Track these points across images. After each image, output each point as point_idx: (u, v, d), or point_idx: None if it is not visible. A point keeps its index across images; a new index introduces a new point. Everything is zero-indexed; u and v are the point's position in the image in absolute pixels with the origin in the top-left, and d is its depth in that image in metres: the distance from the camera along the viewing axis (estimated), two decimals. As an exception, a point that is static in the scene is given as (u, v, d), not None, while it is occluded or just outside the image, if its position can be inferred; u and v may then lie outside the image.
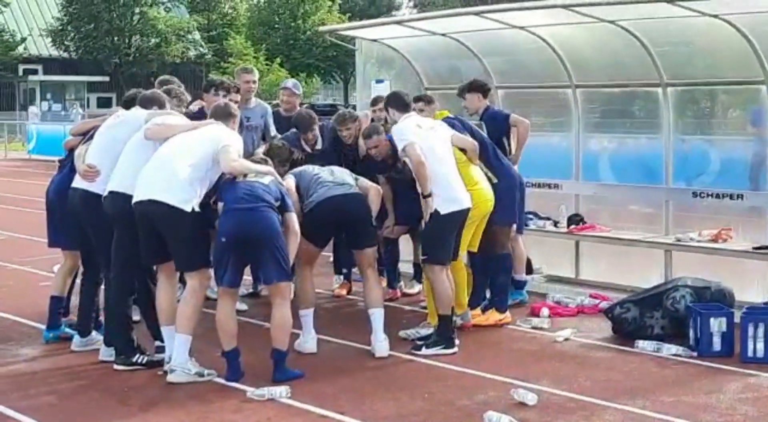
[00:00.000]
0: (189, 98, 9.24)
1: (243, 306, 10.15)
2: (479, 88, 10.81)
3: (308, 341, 8.77)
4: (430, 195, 8.72)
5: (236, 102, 10.20)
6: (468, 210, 8.95)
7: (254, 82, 11.33)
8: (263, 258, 7.94)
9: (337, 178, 8.92)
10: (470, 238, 9.36)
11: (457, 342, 8.86)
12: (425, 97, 10.17)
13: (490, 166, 9.71)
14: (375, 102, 11.21)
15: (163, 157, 8.00)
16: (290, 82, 12.06)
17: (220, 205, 8.08)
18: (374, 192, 9.12)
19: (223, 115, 8.47)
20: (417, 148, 8.73)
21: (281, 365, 8.00)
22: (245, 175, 8.07)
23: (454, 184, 8.89)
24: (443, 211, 8.77)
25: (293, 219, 8.23)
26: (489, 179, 9.57)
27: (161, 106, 8.63)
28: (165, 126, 8.18)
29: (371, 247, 8.97)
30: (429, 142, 8.86)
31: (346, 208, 8.74)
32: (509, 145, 10.76)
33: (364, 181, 9.20)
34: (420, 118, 9.29)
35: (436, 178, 8.75)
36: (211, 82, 10.90)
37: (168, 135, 8.12)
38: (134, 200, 7.90)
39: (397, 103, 9.44)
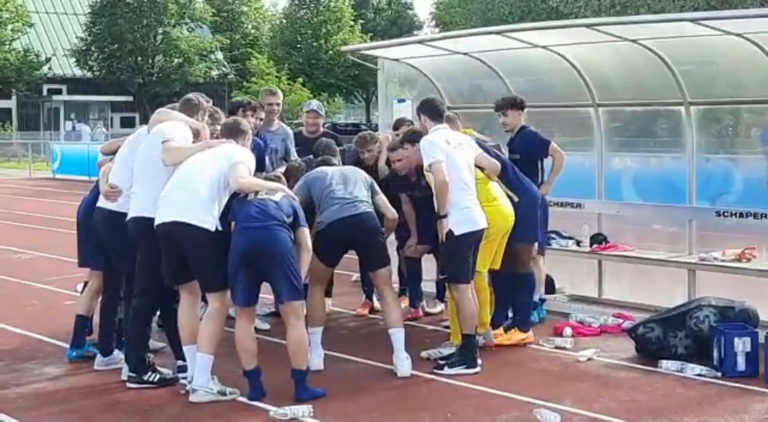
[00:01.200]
0: (223, 117, 9.19)
1: (265, 326, 10.16)
2: (520, 105, 10.78)
3: (314, 358, 8.70)
4: (445, 216, 8.71)
5: (261, 119, 10.25)
6: (483, 230, 8.92)
7: (278, 104, 11.33)
8: (275, 276, 7.95)
9: (350, 191, 8.86)
10: (492, 256, 9.33)
11: (479, 361, 8.84)
12: (448, 116, 9.92)
13: (510, 185, 9.68)
14: (398, 125, 11.16)
15: (182, 177, 8.03)
16: (314, 104, 12.04)
17: (233, 223, 8.10)
18: (391, 218, 9.13)
19: (233, 132, 8.48)
20: (443, 168, 8.68)
21: (302, 384, 8.00)
22: (256, 193, 8.08)
23: (471, 205, 8.85)
24: (457, 232, 8.75)
25: (306, 235, 8.21)
26: (510, 198, 9.55)
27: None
28: (179, 150, 8.16)
29: (385, 267, 8.96)
30: (454, 160, 8.83)
31: (357, 230, 8.73)
32: (542, 169, 10.70)
33: (383, 201, 9.19)
34: (450, 132, 9.16)
35: (453, 198, 8.72)
36: (238, 103, 10.69)
37: (186, 157, 8.13)
38: (157, 222, 7.93)
39: (431, 111, 9.24)
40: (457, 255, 8.84)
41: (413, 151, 9.38)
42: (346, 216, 8.69)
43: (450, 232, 8.76)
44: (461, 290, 8.85)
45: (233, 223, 8.07)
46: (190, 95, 8.92)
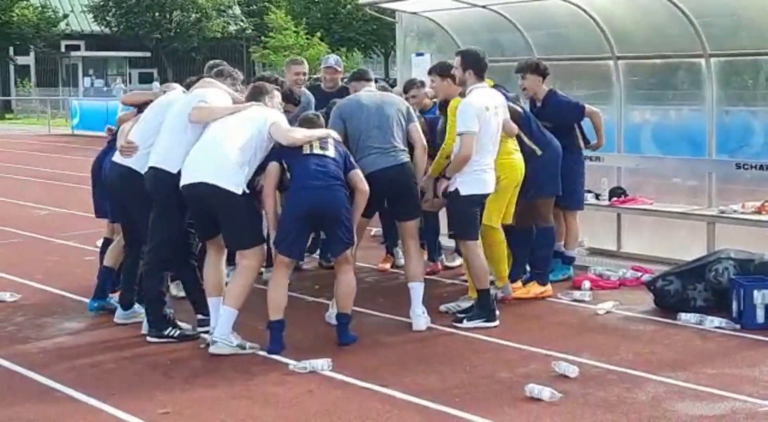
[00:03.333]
0: (241, 76, 9.14)
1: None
2: (542, 71, 10.45)
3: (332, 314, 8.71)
4: (449, 178, 8.70)
5: (290, 111, 10.03)
6: (489, 194, 8.91)
7: (304, 73, 11.28)
8: (332, 231, 8.12)
9: (387, 138, 8.77)
10: (503, 210, 9.32)
11: (497, 314, 8.86)
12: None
13: (533, 139, 9.65)
14: (409, 87, 10.75)
15: (210, 140, 8.03)
16: (332, 60, 11.92)
17: (288, 177, 8.19)
18: (421, 147, 9.05)
19: (258, 93, 8.45)
20: (474, 142, 8.56)
21: (346, 329, 8.20)
22: (310, 147, 8.10)
23: (484, 168, 8.79)
24: (463, 192, 8.73)
25: (359, 176, 8.27)
26: (533, 152, 9.52)
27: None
28: (208, 110, 8.16)
29: (415, 219, 8.97)
30: (488, 127, 8.71)
31: (393, 180, 8.70)
32: (582, 132, 10.63)
33: (415, 128, 9.04)
34: (489, 93, 8.93)
35: (471, 161, 8.66)
36: (262, 78, 10.49)
37: (213, 118, 8.13)
38: (183, 182, 7.95)
39: (478, 65, 8.84)
40: (464, 214, 8.84)
41: (445, 86, 9.29)
42: (385, 167, 8.66)
43: (456, 192, 8.75)
44: (470, 246, 8.85)
45: (289, 178, 8.14)
46: (222, 67, 8.90)
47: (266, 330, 8.03)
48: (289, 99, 9.45)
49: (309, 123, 8.62)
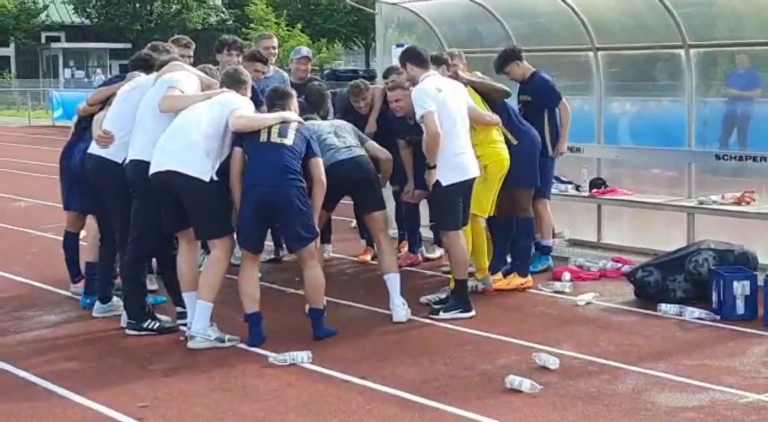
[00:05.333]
0: (193, 45, 9.26)
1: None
2: (516, 55, 10.40)
3: None
4: (434, 167, 8.67)
5: (262, 72, 10.09)
6: (473, 179, 8.87)
7: (274, 47, 11.21)
8: (288, 224, 8.04)
9: (342, 139, 8.86)
10: (491, 200, 9.32)
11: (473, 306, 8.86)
12: (443, 60, 9.56)
13: (508, 127, 9.61)
14: (388, 73, 10.70)
15: (178, 127, 7.98)
16: (305, 50, 11.85)
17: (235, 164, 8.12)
18: (386, 160, 9.10)
19: (233, 81, 8.38)
20: (435, 119, 8.55)
21: (319, 322, 8.16)
22: (269, 135, 8.01)
23: (460, 154, 8.77)
24: (445, 182, 8.69)
25: (319, 165, 8.19)
26: (508, 141, 9.50)
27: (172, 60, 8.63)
28: (177, 98, 8.09)
29: (380, 210, 8.94)
30: (447, 108, 8.71)
31: (352, 173, 8.69)
32: (550, 118, 10.57)
33: (373, 146, 9.16)
34: (441, 78, 9.02)
35: (444, 147, 8.62)
36: (223, 41, 10.47)
37: (183, 106, 8.07)
38: (151, 171, 7.89)
39: (415, 57, 9.04)
40: (446, 205, 8.81)
41: (407, 94, 9.31)
42: (341, 160, 8.67)
43: (437, 183, 8.72)
44: (451, 237, 8.84)
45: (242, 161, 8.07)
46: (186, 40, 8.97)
47: (244, 322, 7.99)
48: (258, 58, 9.89)
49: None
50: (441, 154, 8.64)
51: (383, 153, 9.24)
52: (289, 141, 8.02)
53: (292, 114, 8.33)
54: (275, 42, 11.32)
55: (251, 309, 7.97)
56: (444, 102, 8.71)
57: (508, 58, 10.42)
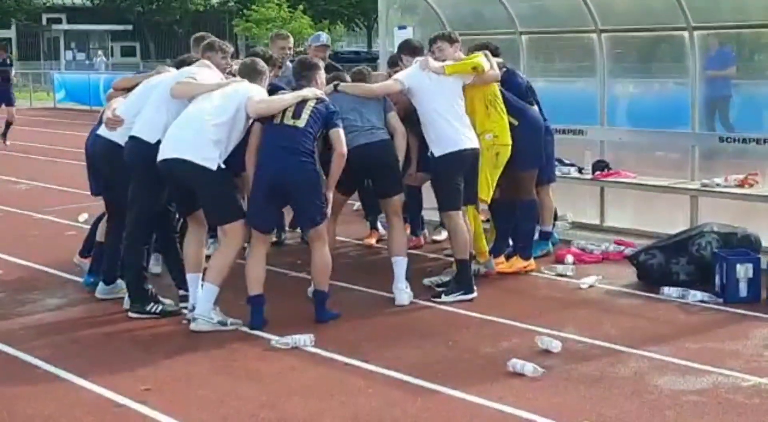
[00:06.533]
0: (231, 49, 9.06)
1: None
2: (493, 52, 9.90)
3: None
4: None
5: (276, 75, 9.98)
6: (468, 150, 8.81)
7: (290, 47, 11.21)
8: (299, 203, 8.07)
9: (366, 118, 8.77)
10: (494, 186, 9.31)
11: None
12: (447, 37, 9.41)
13: (508, 109, 9.52)
14: (394, 62, 10.59)
15: (189, 115, 7.97)
16: (324, 37, 11.81)
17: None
18: (400, 135, 9.02)
19: (250, 72, 8.35)
20: (390, 88, 8.96)
21: (322, 305, 8.16)
22: (282, 117, 7.99)
23: (453, 127, 8.78)
24: (437, 153, 8.76)
25: (340, 135, 8.14)
26: (510, 123, 9.45)
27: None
28: (190, 85, 8.10)
29: (398, 195, 8.91)
30: (438, 86, 8.79)
31: (373, 157, 8.63)
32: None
33: (393, 116, 9.03)
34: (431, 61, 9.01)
35: (433, 120, 8.78)
36: (257, 55, 10.25)
37: (194, 94, 8.06)
38: (160, 158, 7.88)
39: (408, 49, 9.43)
40: (444, 181, 8.83)
41: (451, 52, 9.26)
42: (363, 144, 8.59)
43: (431, 155, 8.82)
44: (451, 217, 8.83)
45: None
46: (211, 40, 8.88)
47: (246, 305, 7.99)
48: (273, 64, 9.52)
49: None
50: (434, 129, 8.78)
51: (399, 128, 9.09)
52: (301, 123, 7.98)
53: (311, 90, 8.24)
54: (291, 42, 11.31)
55: (254, 291, 7.96)
56: (434, 82, 8.79)
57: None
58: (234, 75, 8.56)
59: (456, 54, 9.19)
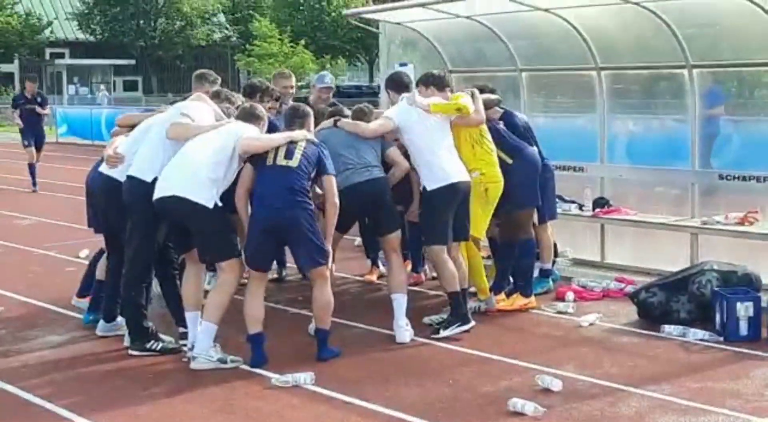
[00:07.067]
0: (239, 101, 9.04)
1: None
2: (491, 92, 10.16)
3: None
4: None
5: (276, 109, 10.03)
6: (460, 183, 8.81)
7: (291, 87, 11.28)
8: (297, 244, 8.04)
9: (362, 158, 8.79)
10: (488, 222, 9.33)
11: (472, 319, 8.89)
12: (436, 81, 9.31)
13: (502, 146, 9.55)
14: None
15: (185, 154, 8.01)
16: (328, 79, 11.86)
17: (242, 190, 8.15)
18: (401, 169, 9.03)
19: (248, 117, 8.40)
20: (387, 127, 8.92)
21: (324, 343, 8.15)
22: (275, 157, 8.01)
23: (444, 161, 8.81)
24: (429, 187, 8.78)
25: (332, 184, 8.16)
26: (503, 161, 9.47)
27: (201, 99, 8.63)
28: (185, 126, 8.13)
29: (395, 232, 8.94)
30: (426, 123, 8.82)
31: (369, 195, 8.66)
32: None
33: (394, 152, 9.07)
34: (416, 94, 9.07)
35: (423, 155, 8.81)
36: (254, 86, 9.87)
37: (189, 135, 8.10)
38: (156, 196, 7.92)
39: (394, 84, 9.41)
40: (433, 215, 8.83)
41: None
42: (359, 182, 8.60)
43: (424, 189, 8.84)
44: (435, 252, 8.84)
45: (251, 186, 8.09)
46: (218, 89, 8.94)
47: (246, 343, 7.99)
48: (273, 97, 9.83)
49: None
50: (425, 164, 8.82)
51: (401, 162, 9.11)
52: (294, 163, 8.01)
53: (300, 132, 8.28)
54: (293, 81, 11.38)
55: (254, 329, 7.96)
56: (422, 118, 8.83)
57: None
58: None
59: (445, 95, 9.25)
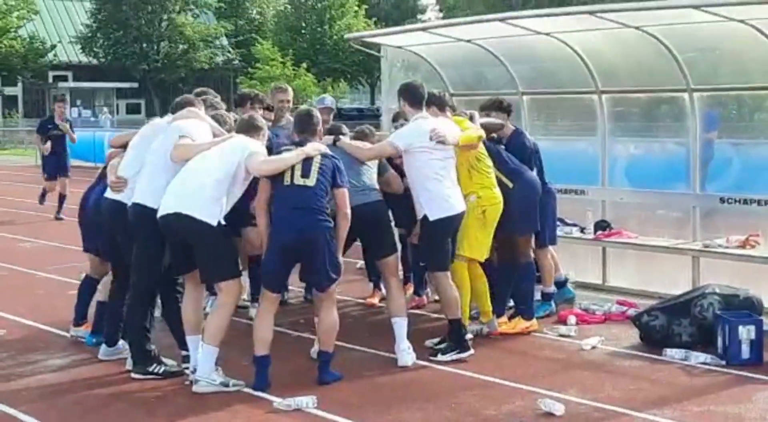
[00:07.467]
0: (224, 106, 9.17)
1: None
2: (506, 109, 10.33)
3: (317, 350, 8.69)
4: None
5: (269, 119, 10.14)
6: (461, 214, 8.86)
7: (288, 100, 11.28)
8: (313, 263, 8.02)
9: (361, 180, 8.81)
10: (489, 244, 9.34)
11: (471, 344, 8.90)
12: (437, 101, 9.36)
13: (502, 170, 9.59)
14: (397, 117, 10.82)
15: (188, 172, 8.02)
16: (328, 100, 11.90)
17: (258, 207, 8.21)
18: (394, 189, 9.11)
19: (248, 128, 8.43)
20: (385, 149, 8.98)
21: (326, 366, 8.14)
22: (292, 176, 8.01)
23: (447, 190, 8.82)
24: (432, 217, 8.76)
25: (344, 196, 8.16)
26: (503, 185, 9.49)
27: (190, 104, 8.64)
28: (188, 147, 8.14)
29: (392, 255, 8.95)
30: (435, 149, 8.75)
31: (368, 217, 8.65)
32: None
33: (392, 175, 9.17)
34: (433, 123, 8.96)
35: (431, 185, 8.76)
36: (244, 95, 10.58)
37: (193, 154, 8.11)
38: (160, 213, 7.93)
39: (411, 96, 9.12)
40: (434, 242, 8.84)
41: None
42: (357, 205, 8.54)
43: (425, 217, 8.80)
44: (439, 277, 8.87)
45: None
46: (206, 97, 9.01)
47: (251, 365, 7.98)
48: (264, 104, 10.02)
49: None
50: (428, 192, 8.77)
51: (397, 185, 9.21)
52: (312, 181, 8.01)
53: (313, 147, 8.25)
54: (290, 95, 11.39)
55: (261, 351, 7.95)
56: (434, 146, 8.76)
57: (499, 107, 10.28)
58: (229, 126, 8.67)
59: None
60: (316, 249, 7.91)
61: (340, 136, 9.09)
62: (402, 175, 9.25)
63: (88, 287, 9.61)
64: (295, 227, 7.88)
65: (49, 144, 19.43)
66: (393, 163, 9.40)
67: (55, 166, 19.84)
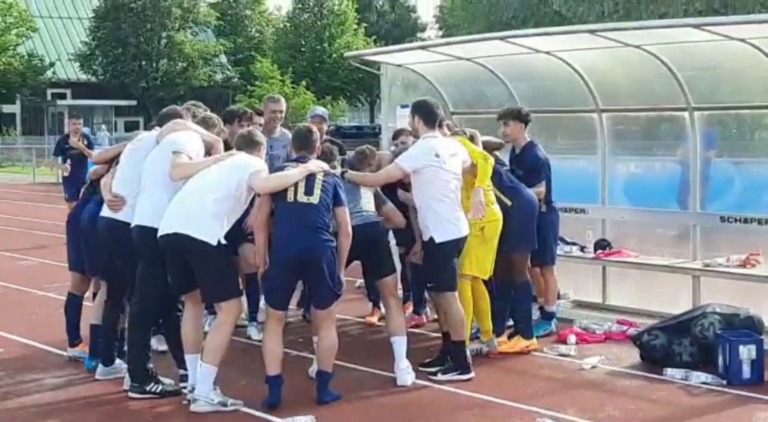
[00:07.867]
0: (216, 122, 9.12)
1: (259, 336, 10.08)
2: (524, 118, 10.38)
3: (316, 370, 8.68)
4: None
5: (260, 125, 10.16)
6: (466, 236, 8.86)
7: (281, 111, 11.24)
8: (316, 282, 8.01)
9: (356, 203, 8.79)
10: (492, 262, 9.31)
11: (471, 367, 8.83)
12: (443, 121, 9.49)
13: (502, 189, 9.58)
14: (397, 135, 10.91)
15: (188, 190, 7.99)
16: (319, 110, 11.91)
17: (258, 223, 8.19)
18: (395, 223, 9.10)
19: (247, 144, 8.41)
20: (395, 175, 8.92)
21: (325, 387, 8.09)
22: (295, 194, 7.99)
23: (454, 212, 8.80)
24: (438, 239, 8.72)
25: (345, 215, 8.16)
26: (502, 203, 9.48)
27: (177, 116, 8.63)
28: (188, 165, 8.11)
29: (391, 275, 8.93)
30: (444, 170, 8.74)
31: (366, 237, 8.61)
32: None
33: (392, 208, 9.18)
34: (441, 142, 8.97)
35: (438, 207, 8.72)
36: (232, 112, 10.56)
37: (193, 173, 8.08)
38: (159, 233, 7.89)
39: (426, 114, 9.01)
40: (441, 264, 8.80)
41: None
42: (356, 225, 8.52)
43: (431, 240, 8.76)
44: (448, 298, 8.83)
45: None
46: (196, 110, 8.95)
47: (249, 384, 7.93)
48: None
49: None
50: (436, 213, 8.73)
51: (398, 218, 9.24)
52: (315, 199, 8.00)
53: (315, 164, 8.25)
54: (283, 105, 11.34)
55: (273, 371, 7.91)
56: (441, 165, 8.74)
57: (517, 116, 10.38)
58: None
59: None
60: (321, 268, 7.88)
61: (349, 170, 9.07)
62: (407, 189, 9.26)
63: (73, 305, 9.55)
64: (299, 245, 7.85)
65: (68, 164, 18.18)
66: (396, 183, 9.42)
67: (76, 186, 17.46)
